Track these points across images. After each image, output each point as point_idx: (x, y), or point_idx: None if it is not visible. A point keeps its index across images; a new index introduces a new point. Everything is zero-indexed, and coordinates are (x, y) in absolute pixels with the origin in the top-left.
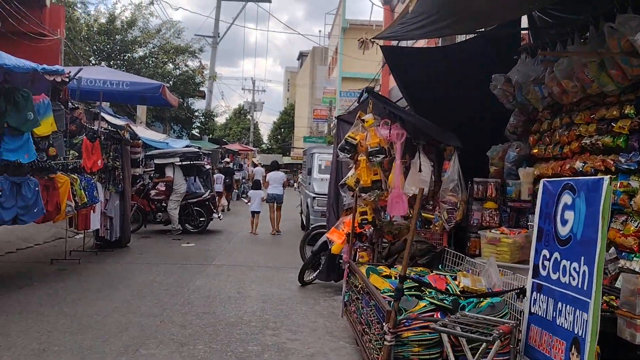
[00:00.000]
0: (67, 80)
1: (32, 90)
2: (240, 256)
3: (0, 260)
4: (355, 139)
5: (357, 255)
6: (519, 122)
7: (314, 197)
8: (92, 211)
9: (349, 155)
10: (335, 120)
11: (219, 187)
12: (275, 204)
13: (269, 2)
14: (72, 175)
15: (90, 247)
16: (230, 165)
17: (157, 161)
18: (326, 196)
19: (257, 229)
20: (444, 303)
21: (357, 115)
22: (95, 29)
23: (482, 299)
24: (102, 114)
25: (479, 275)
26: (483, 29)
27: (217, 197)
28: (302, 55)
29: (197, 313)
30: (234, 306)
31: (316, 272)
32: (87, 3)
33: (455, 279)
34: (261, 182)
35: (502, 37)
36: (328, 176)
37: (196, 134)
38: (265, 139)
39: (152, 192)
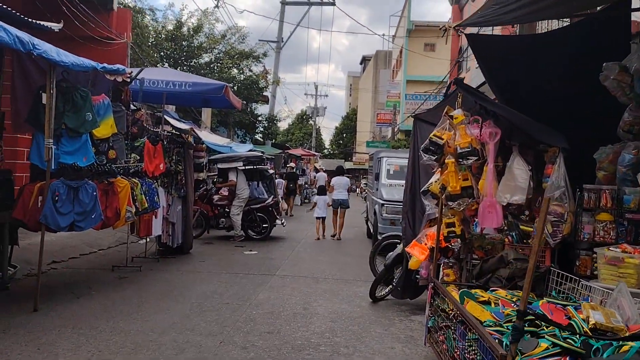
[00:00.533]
0: (128, 80)
1: (93, 91)
2: (305, 266)
3: (63, 266)
4: (442, 139)
5: (442, 273)
6: (635, 118)
7: (383, 204)
8: (154, 217)
9: (434, 158)
10: (412, 120)
11: (279, 192)
12: (339, 209)
13: (332, 4)
14: (133, 180)
15: (153, 254)
16: (295, 170)
17: (220, 165)
18: (395, 203)
19: (324, 234)
20: (572, 345)
21: (445, 111)
22: (163, 35)
23: (623, 342)
24: (167, 117)
25: (602, 304)
26: (587, 11)
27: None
28: (364, 60)
29: (260, 332)
30: (300, 325)
31: (389, 288)
32: (155, 10)
33: (578, 310)
34: (325, 187)
35: (608, 20)
36: (397, 182)
37: (259, 138)
38: (327, 144)
39: (215, 197)
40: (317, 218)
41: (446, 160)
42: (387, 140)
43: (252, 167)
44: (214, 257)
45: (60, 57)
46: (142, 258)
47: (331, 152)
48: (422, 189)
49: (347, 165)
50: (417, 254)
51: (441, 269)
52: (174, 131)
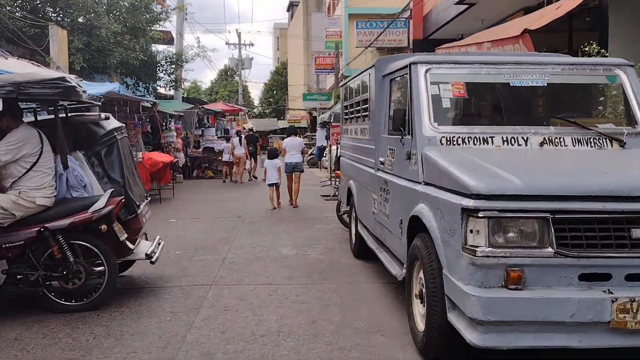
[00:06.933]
0: None
1: None
2: None
3: None
4: None
5: None
6: None
7: (472, 211)
8: None
9: None
10: None
11: (240, 150)
12: (293, 174)
13: None
14: None
15: None
16: (253, 132)
17: None
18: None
19: (279, 202)
20: None
21: None
22: None
23: None
24: None
25: None
26: None
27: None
28: (292, 5)
29: None
30: None
31: None
32: None
33: None
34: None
35: None
36: (483, 132)
37: (161, 87)
38: (256, 102)
39: None
40: (270, 185)
41: None
42: (327, 92)
43: (53, 116)
44: None
45: None
46: None
47: (262, 111)
48: None
49: (281, 124)
50: None
51: None
52: None
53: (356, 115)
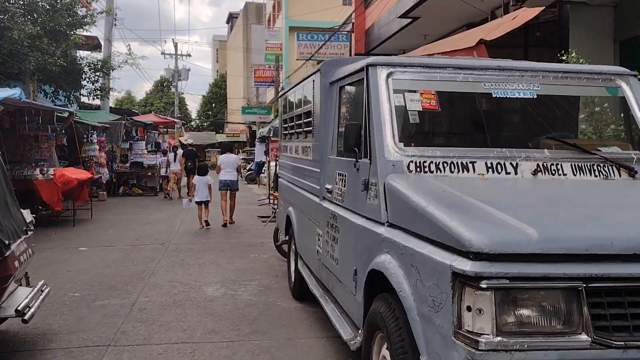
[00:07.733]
0: None
1: None
2: None
3: None
4: None
5: None
6: None
7: (463, 278)
8: None
9: None
10: None
11: (176, 165)
12: (228, 192)
13: None
14: None
15: None
16: (193, 148)
17: None
18: None
19: (207, 222)
20: None
21: None
22: None
23: None
24: None
25: None
26: None
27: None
28: (232, 18)
29: None
30: None
31: None
32: None
33: None
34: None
35: None
36: (443, 154)
37: (84, 96)
38: (194, 115)
39: None
40: (198, 203)
41: None
42: (266, 106)
43: None
44: None
45: None
46: None
47: (199, 124)
48: None
49: (220, 137)
50: None
51: None
52: None
53: (297, 130)
